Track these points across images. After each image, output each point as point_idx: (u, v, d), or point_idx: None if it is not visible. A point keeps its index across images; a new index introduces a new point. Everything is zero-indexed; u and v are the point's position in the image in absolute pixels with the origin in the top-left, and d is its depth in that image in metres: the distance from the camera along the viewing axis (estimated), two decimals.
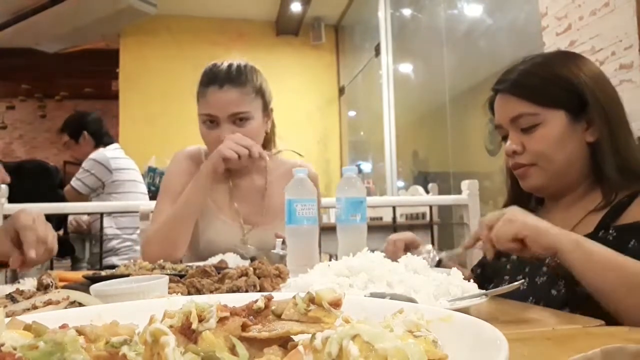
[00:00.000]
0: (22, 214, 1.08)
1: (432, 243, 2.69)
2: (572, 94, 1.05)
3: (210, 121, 1.55)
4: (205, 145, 1.67)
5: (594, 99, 1.04)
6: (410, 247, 1.23)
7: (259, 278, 0.89)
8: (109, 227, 3.03)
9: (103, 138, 3.34)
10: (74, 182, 3.12)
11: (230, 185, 1.66)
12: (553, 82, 1.07)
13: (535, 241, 0.89)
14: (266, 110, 1.64)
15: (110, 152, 3.24)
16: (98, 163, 3.13)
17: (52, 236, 1.08)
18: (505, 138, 1.13)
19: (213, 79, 1.55)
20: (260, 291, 0.87)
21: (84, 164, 3.17)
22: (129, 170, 3.22)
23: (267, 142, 1.74)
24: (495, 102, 1.15)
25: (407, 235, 1.27)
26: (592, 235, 0.97)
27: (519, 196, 1.20)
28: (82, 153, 3.34)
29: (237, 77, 1.56)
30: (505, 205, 1.21)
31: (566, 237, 0.88)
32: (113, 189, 3.13)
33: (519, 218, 0.92)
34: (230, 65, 1.58)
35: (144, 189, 3.31)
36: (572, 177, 1.08)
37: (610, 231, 0.96)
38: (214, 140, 1.54)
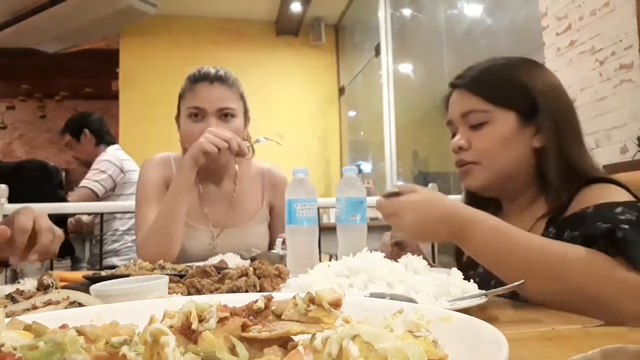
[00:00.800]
0: (22, 215, 1.07)
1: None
2: (525, 97, 1.06)
3: (196, 115, 1.58)
4: (173, 153, 1.72)
5: (545, 106, 1.05)
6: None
7: (259, 278, 0.89)
8: (117, 228, 3.03)
9: (104, 137, 3.33)
10: (91, 184, 3.07)
11: (199, 190, 1.67)
12: (508, 83, 1.09)
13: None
14: (246, 115, 1.68)
15: (120, 153, 3.24)
16: (112, 164, 3.13)
17: (51, 239, 1.07)
18: (454, 135, 1.14)
19: (202, 77, 1.60)
20: (260, 291, 0.87)
21: (98, 165, 3.13)
22: (135, 172, 3.23)
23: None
24: (451, 97, 1.17)
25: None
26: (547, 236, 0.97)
27: (473, 197, 1.19)
28: (83, 152, 3.34)
29: (226, 78, 1.62)
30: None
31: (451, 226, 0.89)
32: (122, 190, 3.12)
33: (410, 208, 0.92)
34: (217, 69, 1.63)
35: None
36: (515, 181, 1.09)
37: (550, 229, 0.97)
38: (198, 133, 1.54)
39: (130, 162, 3.25)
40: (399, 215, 0.93)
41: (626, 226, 0.80)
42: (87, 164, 3.29)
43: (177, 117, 1.68)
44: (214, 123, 1.56)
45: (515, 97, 1.08)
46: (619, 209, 0.87)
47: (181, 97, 1.65)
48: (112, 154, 3.21)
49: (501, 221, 0.90)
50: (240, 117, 1.64)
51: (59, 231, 1.10)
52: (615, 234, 0.80)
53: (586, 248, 0.82)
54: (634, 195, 0.98)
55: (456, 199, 1.45)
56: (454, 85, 1.16)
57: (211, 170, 1.66)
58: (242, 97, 1.66)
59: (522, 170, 1.08)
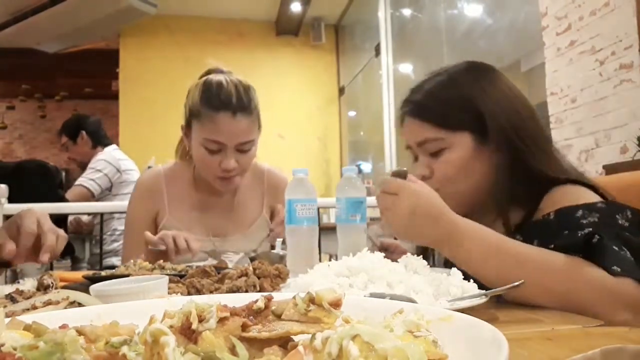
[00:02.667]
0: (26, 216, 1.09)
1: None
2: (476, 115, 1.02)
3: (212, 149, 1.49)
4: (164, 164, 1.69)
5: (493, 121, 1.01)
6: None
7: (258, 278, 0.89)
8: (116, 228, 3.03)
9: (101, 139, 3.34)
10: (86, 183, 3.08)
11: (199, 201, 1.64)
12: (456, 105, 1.04)
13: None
14: (259, 128, 1.60)
15: (117, 153, 3.25)
16: (109, 163, 3.14)
17: (55, 240, 1.09)
18: (417, 159, 1.11)
19: (224, 104, 1.47)
20: (260, 291, 0.87)
21: (94, 164, 3.14)
22: (132, 172, 3.23)
23: None
24: (403, 122, 1.12)
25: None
26: None
27: None
28: (79, 154, 3.34)
29: (248, 104, 1.50)
30: None
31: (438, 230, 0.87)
32: (119, 189, 3.13)
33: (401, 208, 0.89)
34: (236, 88, 1.50)
35: None
36: (482, 200, 1.05)
37: (517, 236, 0.94)
38: (214, 166, 1.49)
39: (128, 162, 3.25)
40: (395, 201, 0.89)
41: (596, 231, 0.80)
42: (83, 166, 3.29)
43: (186, 130, 1.58)
44: (231, 156, 1.49)
45: (465, 117, 1.03)
46: (579, 213, 0.86)
47: (195, 116, 1.51)
48: (108, 153, 3.21)
49: (486, 228, 0.89)
50: (257, 140, 1.56)
51: (62, 232, 1.12)
52: (591, 240, 0.79)
53: (564, 255, 0.81)
54: (602, 195, 0.96)
55: None
56: (403, 112, 1.12)
57: (208, 181, 1.60)
58: (258, 116, 1.56)
59: (487, 188, 1.04)
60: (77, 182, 3.13)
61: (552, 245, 0.84)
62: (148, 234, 1.42)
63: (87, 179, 3.11)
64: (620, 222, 0.86)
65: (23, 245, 1.04)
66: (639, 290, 0.77)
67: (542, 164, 0.99)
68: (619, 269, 0.77)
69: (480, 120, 1.02)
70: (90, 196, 3.07)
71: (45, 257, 1.05)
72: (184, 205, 1.62)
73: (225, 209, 1.65)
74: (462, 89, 1.05)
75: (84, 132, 3.30)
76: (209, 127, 1.47)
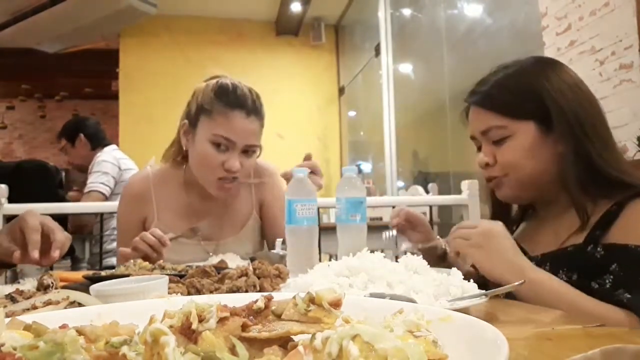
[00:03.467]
0: (28, 215, 1.09)
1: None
2: (541, 106, 1.05)
3: (220, 144, 1.46)
4: (153, 168, 1.68)
5: (558, 111, 1.03)
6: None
7: (258, 278, 0.89)
8: (115, 227, 3.03)
9: (100, 141, 3.31)
10: (99, 187, 3.05)
11: (188, 206, 1.61)
12: (522, 95, 1.07)
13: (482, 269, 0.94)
14: (261, 133, 1.59)
15: (117, 153, 3.24)
16: (112, 164, 3.13)
17: (63, 237, 1.09)
18: (480, 149, 1.14)
19: (240, 103, 1.47)
20: (260, 291, 0.87)
21: (99, 167, 3.11)
22: (132, 170, 3.23)
23: None
24: (469, 113, 1.16)
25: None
26: (582, 248, 0.97)
27: (498, 207, 1.21)
28: (78, 157, 3.33)
29: (259, 109, 1.52)
30: (492, 217, 1.23)
31: (513, 271, 0.90)
32: (119, 189, 3.12)
33: (486, 243, 0.95)
34: (250, 92, 1.51)
35: None
36: (546, 188, 1.08)
37: (599, 249, 0.95)
38: (217, 164, 1.47)
39: (127, 161, 3.25)
40: (470, 240, 0.96)
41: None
42: (82, 169, 3.28)
43: (187, 128, 1.54)
44: (236, 157, 1.47)
45: (530, 107, 1.06)
46: None
47: (206, 112, 1.48)
48: (109, 154, 3.20)
49: (550, 276, 0.91)
50: (259, 147, 1.56)
51: (66, 232, 1.13)
52: None
53: (626, 312, 0.83)
54: None
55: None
56: (469, 102, 1.15)
57: (199, 185, 1.57)
58: (263, 125, 1.56)
59: (551, 177, 1.07)
60: (89, 188, 3.08)
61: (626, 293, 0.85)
62: (123, 250, 1.38)
63: (99, 183, 3.09)
64: None
65: (32, 240, 1.04)
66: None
67: (604, 158, 1.01)
68: None
69: (545, 110, 1.04)
70: (104, 200, 3.07)
71: (56, 253, 1.06)
72: (173, 210, 1.59)
73: (216, 213, 1.61)
74: (528, 80, 1.08)
75: (82, 135, 3.29)
76: (222, 123, 1.45)
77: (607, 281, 0.90)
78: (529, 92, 1.06)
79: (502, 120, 1.07)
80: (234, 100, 1.46)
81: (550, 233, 1.08)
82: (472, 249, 0.95)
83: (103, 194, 3.07)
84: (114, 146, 3.36)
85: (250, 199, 1.67)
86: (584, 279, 0.94)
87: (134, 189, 1.63)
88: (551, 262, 1.02)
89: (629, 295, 0.84)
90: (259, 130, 1.51)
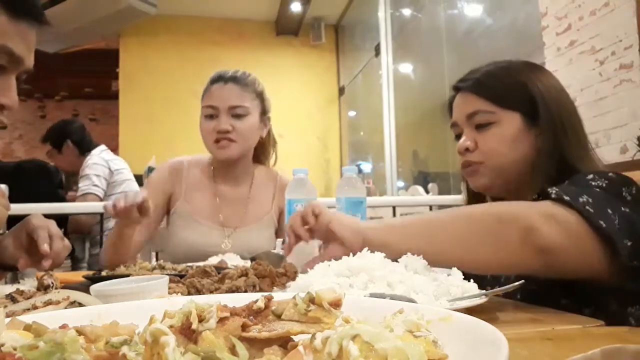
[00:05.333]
0: (34, 218, 1.11)
1: None
2: (528, 100, 1.08)
3: (210, 114, 1.65)
4: (188, 157, 1.81)
5: (544, 108, 1.07)
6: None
7: (258, 279, 0.89)
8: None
9: (87, 145, 3.27)
10: (93, 189, 3.04)
11: (215, 191, 1.74)
12: (512, 86, 1.10)
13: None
14: (264, 115, 1.75)
15: (106, 154, 3.21)
16: (102, 166, 3.11)
17: (61, 246, 1.10)
18: (458, 137, 1.16)
19: (219, 78, 1.68)
20: (259, 292, 0.87)
21: (91, 170, 3.09)
22: (123, 171, 3.21)
23: (263, 150, 1.83)
24: (454, 100, 1.18)
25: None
26: None
27: (473, 197, 1.23)
28: (66, 162, 3.30)
29: (241, 78, 1.69)
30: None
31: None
32: (111, 190, 3.11)
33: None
34: (236, 70, 1.70)
35: (137, 187, 3.28)
36: (520, 181, 1.10)
37: None
38: (210, 129, 1.64)
39: (117, 162, 3.22)
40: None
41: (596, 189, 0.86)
42: (72, 174, 3.26)
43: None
44: (225, 121, 1.63)
45: (518, 99, 1.09)
46: (590, 176, 0.92)
47: (202, 99, 1.71)
48: (97, 156, 3.16)
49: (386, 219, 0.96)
50: (254, 116, 1.69)
51: (67, 241, 1.13)
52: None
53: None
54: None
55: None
56: (457, 89, 1.17)
57: (229, 172, 1.73)
58: (259, 97, 1.72)
59: (526, 170, 1.09)
60: (83, 191, 3.05)
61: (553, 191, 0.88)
62: (107, 204, 1.44)
63: (92, 186, 3.06)
64: (624, 194, 0.89)
65: (41, 236, 1.06)
66: (559, 209, 0.83)
67: (578, 157, 1.05)
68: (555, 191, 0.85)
69: (531, 105, 1.08)
70: (99, 201, 3.06)
71: (47, 262, 1.06)
72: (199, 193, 1.73)
73: (240, 201, 1.74)
74: (520, 74, 1.12)
75: (69, 141, 3.25)
76: (206, 96, 1.68)
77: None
78: (519, 84, 1.10)
79: (490, 106, 1.09)
80: (214, 77, 1.70)
81: None
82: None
83: (97, 195, 3.05)
84: (102, 147, 3.31)
85: (272, 199, 1.80)
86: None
87: (171, 165, 1.78)
88: None
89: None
90: (239, 93, 1.66)
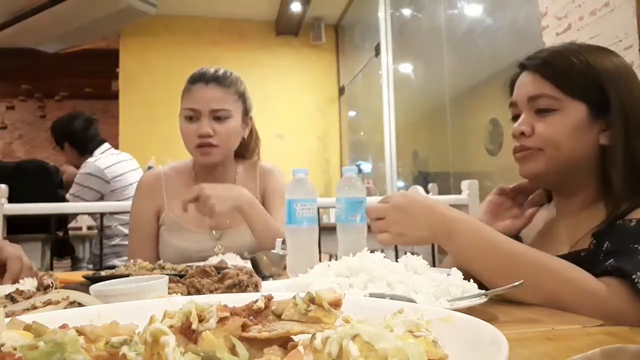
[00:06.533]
0: (7, 245, 1.09)
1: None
2: (597, 89, 0.99)
3: (190, 117, 1.62)
4: (166, 166, 1.77)
5: (618, 101, 0.97)
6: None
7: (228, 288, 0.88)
8: (113, 225, 3.02)
9: (87, 146, 3.22)
10: (69, 197, 3.01)
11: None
12: (583, 72, 1.00)
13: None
14: (246, 116, 1.71)
15: (102, 161, 3.11)
16: (93, 176, 3.04)
17: (19, 268, 1.08)
18: (515, 118, 1.08)
19: (200, 77, 1.64)
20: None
21: (77, 179, 3.06)
22: (126, 174, 3.14)
23: (246, 150, 1.80)
24: (518, 78, 1.09)
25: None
26: (592, 251, 0.93)
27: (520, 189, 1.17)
28: (69, 161, 3.31)
29: (223, 79, 1.65)
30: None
31: (437, 231, 0.92)
32: (115, 197, 3.07)
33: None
34: (217, 69, 1.67)
35: None
36: (575, 177, 1.02)
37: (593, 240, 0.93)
38: (192, 133, 1.61)
39: (115, 167, 3.12)
40: (385, 218, 0.96)
41: None
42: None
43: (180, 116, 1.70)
44: (206, 124, 1.60)
45: (587, 87, 0.99)
46: None
47: (182, 97, 1.68)
48: (92, 165, 3.08)
49: (481, 223, 0.93)
50: (237, 118, 1.66)
51: (26, 260, 1.10)
52: None
53: (567, 262, 0.84)
54: None
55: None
56: (523, 66, 1.08)
57: (210, 174, 1.68)
58: (241, 97, 1.68)
59: (585, 166, 1.01)
60: (72, 196, 3.05)
61: (612, 260, 0.83)
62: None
63: (70, 195, 3.03)
64: None
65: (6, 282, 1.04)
66: (623, 297, 0.78)
67: None
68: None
69: (601, 96, 0.99)
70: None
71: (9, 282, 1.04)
72: (182, 199, 1.65)
73: None
74: (592, 59, 1.01)
75: (67, 144, 3.24)
76: (186, 97, 1.64)
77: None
78: (590, 71, 1.00)
79: (556, 91, 1.00)
80: (195, 77, 1.65)
81: (563, 233, 1.05)
82: (390, 228, 0.96)
83: (86, 200, 3.02)
84: (104, 147, 3.26)
85: (255, 193, 1.74)
86: None
87: (147, 183, 1.74)
88: None
89: (613, 262, 0.83)
90: (221, 96, 1.62)
